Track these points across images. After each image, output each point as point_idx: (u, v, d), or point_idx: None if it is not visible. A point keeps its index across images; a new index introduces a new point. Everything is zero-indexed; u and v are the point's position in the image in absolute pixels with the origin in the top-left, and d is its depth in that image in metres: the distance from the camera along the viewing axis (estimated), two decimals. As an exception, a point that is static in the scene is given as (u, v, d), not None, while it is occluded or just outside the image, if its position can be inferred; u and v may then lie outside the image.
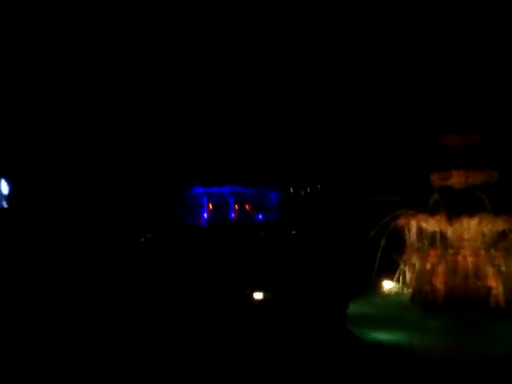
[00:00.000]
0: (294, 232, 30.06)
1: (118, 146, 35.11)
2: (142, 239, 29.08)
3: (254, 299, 12.37)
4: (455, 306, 11.40)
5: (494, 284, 11.58)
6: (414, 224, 12.83)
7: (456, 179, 12.73)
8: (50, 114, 29.37)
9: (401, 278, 13.72)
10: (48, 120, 29.62)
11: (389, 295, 13.40)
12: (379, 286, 13.63)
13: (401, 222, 13.03)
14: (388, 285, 13.67)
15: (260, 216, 43.70)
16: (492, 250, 12.34)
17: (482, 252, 12.29)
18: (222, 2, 33.28)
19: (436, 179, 12.96)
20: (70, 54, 29.65)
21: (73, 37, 29.40)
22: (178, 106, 37.35)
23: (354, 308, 11.62)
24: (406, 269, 13.44)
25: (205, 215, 43.95)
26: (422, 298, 12.29)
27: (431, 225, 12.55)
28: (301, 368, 8.02)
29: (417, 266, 13.02)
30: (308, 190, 40.76)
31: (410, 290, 13.16)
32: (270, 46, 34.52)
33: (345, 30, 30.85)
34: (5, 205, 29.82)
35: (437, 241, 12.72)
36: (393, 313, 11.72)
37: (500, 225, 12.26)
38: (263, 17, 33.67)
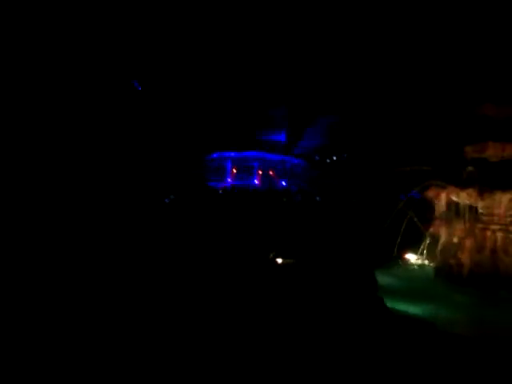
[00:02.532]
0: (318, 199, 29.85)
1: (144, 110, 35.15)
2: (167, 200, 29.44)
3: (277, 264, 12.39)
4: (481, 281, 11.18)
5: (524, 261, 11.28)
6: (443, 196, 12.49)
7: (492, 151, 12.21)
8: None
9: (425, 250, 13.53)
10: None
11: (412, 267, 13.25)
12: (403, 258, 13.47)
13: (430, 193, 12.69)
14: (412, 257, 13.50)
15: (284, 182, 43.50)
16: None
17: (513, 228, 11.91)
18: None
19: (470, 150, 12.48)
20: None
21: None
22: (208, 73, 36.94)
23: (378, 278, 11.50)
24: (432, 242, 13.20)
25: (228, 179, 44.00)
26: (446, 272, 12.10)
27: (462, 198, 12.17)
28: (328, 332, 7.99)
29: (443, 239, 12.75)
30: (334, 157, 40.19)
31: (434, 264, 12.98)
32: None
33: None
34: None
35: (466, 214, 12.38)
36: (416, 285, 11.59)
37: (534, 201, 11.81)
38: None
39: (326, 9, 32.64)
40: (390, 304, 9.47)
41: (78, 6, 28.76)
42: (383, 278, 11.71)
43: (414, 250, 13.74)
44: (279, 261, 12.50)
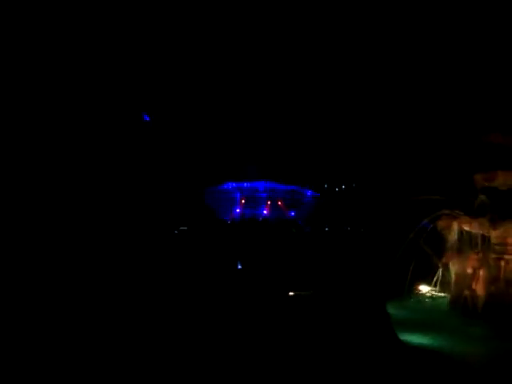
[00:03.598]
0: (327, 229, 29.70)
1: (153, 139, 35.54)
2: (176, 232, 29.53)
3: (288, 296, 12.23)
4: (496, 313, 10.90)
5: (540, 292, 11.01)
6: (455, 226, 12.33)
7: (501, 180, 12.12)
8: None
9: (439, 282, 13.27)
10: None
11: (426, 299, 12.98)
12: (416, 290, 13.22)
13: (441, 223, 12.55)
14: (425, 288, 13.24)
15: (292, 213, 43.41)
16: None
17: (527, 258, 11.68)
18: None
19: (480, 179, 12.38)
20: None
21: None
22: (215, 101, 37.48)
23: (390, 310, 11.28)
24: (445, 273, 12.96)
25: (237, 210, 44.03)
26: (461, 304, 11.82)
27: (474, 227, 12.02)
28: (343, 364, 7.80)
29: (456, 270, 12.52)
30: (343, 187, 40.15)
31: (448, 295, 12.72)
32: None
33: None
34: None
35: (479, 244, 12.19)
36: (430, 317, 11.31)
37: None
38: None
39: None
40: (404, 337, 9.26)
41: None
42: (396, 311, 11.48)
43: (427, 281, 13.49)
44: (290, 293, 12.34)
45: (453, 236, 12.54)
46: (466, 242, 12.36)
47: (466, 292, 11.75)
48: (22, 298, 10.80)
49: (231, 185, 44.33)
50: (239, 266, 16.70)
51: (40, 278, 12.96)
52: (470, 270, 12.01)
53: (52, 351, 7.82)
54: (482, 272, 11.67)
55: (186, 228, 30.43)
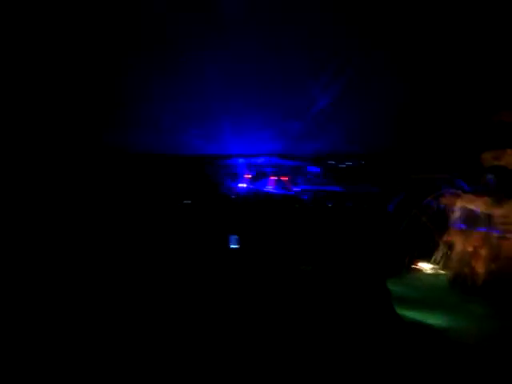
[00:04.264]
0: (330, 205, 29.58)
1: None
2: (180, 205, 29.52)
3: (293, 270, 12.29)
4: (496, 291, 10.92)
5: (541, 271, 11.00)
6: (458, 204, 12.27)
7: (509, 159, 11.97)
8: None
9: (440, 259, 13.27)
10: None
11: (426, 276, 13.01)
12: (417, 267, 13.23)
13: (445, 201, 12.48)
14: (427, 266, 13.25)
15: (297, 188, 43.34)
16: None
17: (530, 237, 11.63)
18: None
19: (488, 158, 12.23)
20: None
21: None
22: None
23: (390, 287, 11.34)
24: (447, 250, 12.95)
25: (242, 185, 43.98)
26: (461, 281, 11.85)
27: (477, 205, 11.95)
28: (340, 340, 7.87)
29: (458, 247, 12.51)
30: (349, 163, 39.89)
31: (448, 272, 12.73)
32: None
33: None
34: None
35: (481, 222, 12.14)
36: (430, 294, 11.37)
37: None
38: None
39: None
40: (403, 313, 9.32)
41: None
42: (397, 288, 11.53)
43: (429, 258, 13.49)
44: (292, 268, 12.40)
45: (456, 214, 12.49)
46: (469, 220, 12.32)
47: (467, 269, 11.77)
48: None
49: (236, 160, 44.14)
50: (234, 244, 16.24)
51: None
52: (471, 249, 12.00)
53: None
54: (483, 250, 11.65)
55: (189, 202, 30.43)
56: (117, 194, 26.12)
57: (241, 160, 44.70)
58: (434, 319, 9.31)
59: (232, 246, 15.44)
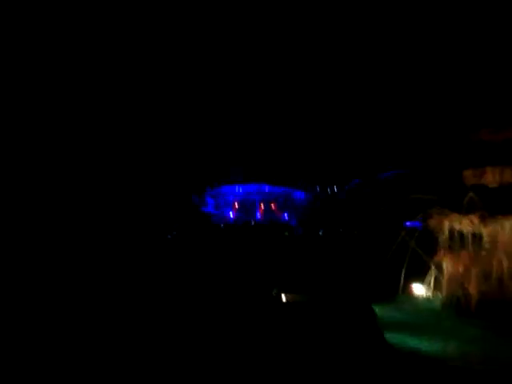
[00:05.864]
0: (321, 233, 29.53)
1: (147, 143, 35.26)
2: (169, 236, 29.22)
3: (281, 300, 12.07)
4: (490, 312, 10.76)
5: (532, 289, 10.89)
6: (446, 224, 12.20)
7: (490, 177, 12.02)
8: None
9: (431, 281, 13.12)
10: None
11: (419, 299, 12.83)
12: (409, 290, 13.06)
13: (432, 222, 12.41)
14: (418, 288, 13.08)
15: (286, 216, 43.25)
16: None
17: (519, 254, 11.55)
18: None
19: (469, 176, 12.29)
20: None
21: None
22: (205, 105, 37.23)
23: (383, 312, 11.13)
24: (438, 272, 12.82)
25: (230, 214, 43.82)
26: (454, 303, 11.68)
27: (464, 225, 11.89)
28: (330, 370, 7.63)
29: (448, 268, 12.38)
30: (335, 189, 40.05)
31: (441, 294, 12.58)
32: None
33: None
34: None
35: (470, 242, 12.07)
36: (424, 318, 11.18)
37: (538, 226, 11.50)
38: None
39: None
40: (398, 340, 9.10)
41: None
42: (389, 312, 11.33)
43: (420, 280, 13.34)
44: (282, 296, 12.17)
45: (444, 234, 12.41)
46: (457, 240, 12.24)
47: (459, 291, 11.62)
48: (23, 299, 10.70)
49: (223, 189, 44.11)
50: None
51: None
52: (461, 269, 11.88)
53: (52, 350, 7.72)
54: (473, 271, 11.53)
55: (177, 233, 30.16)
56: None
57: (229, 188, 44.70)
58: (428, 345, 9.10)
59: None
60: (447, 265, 12.33)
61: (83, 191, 29.12)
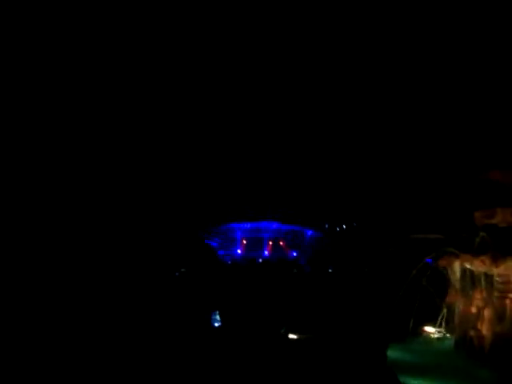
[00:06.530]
0: (330, 270, 29.33)
1: (154, 177, 35.54)
2: (177, 274, 29.11)
3: (289, 339, 11.94)
4: (503, 353, 10.55)
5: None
6: (457, 264, 12.15)
7: (500, 217, 12.00)
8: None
9: (443, 322, 12.95)
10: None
11: (430, 340, 12.62)
12: (420, 331, 12.88)
13: (443, 262, 12.36)
14: (429, 329, 12.90)
15: (294, 253, 43.06)
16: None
17: (532, 296, 11.41)
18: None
19: (479, 217, 12.29)
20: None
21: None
22: (214, 137, 37.64)
23: (393, 354, 10.95)
24: (449, 312, 12.67)
25: (238, 251, 43.72)
26: (466, 345, 11.48)
27: (476, 265, 11.81)
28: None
29: (460, 309, 12.24)
30: (344, 227, 40.00)
31: (453, 336, 12.38)
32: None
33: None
34: None
35: (482, 283, 11.95)
36: (435, 360, 10.96)
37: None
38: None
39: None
40: (407, 382, 8.94)
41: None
42: (400, 354, 11.15)
43: (432, 321, 13.17)
44: (290, 336, 12.04)
45: (455, 275, 12.35)
46: (469, 281, 12.13)
47: (472, 332, 11.43)
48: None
49: (232, 225, 44.22)
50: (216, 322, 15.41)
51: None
52: (474, 310, 11.74)
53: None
54: (486, 311, 11.38)
55: (185, 270, 30.07)
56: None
57: (237, 225, 44.78)
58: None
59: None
60: (459, 305, 12.21)
61: (86, 219, 29.19)
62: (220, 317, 15.15)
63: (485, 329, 11.27)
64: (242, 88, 34.83)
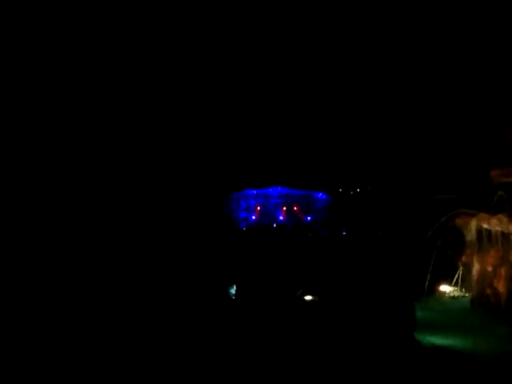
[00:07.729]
0: (344, 233, 29.48)
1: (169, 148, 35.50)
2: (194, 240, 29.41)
3: (305, 301, 12.18)
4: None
5: None
6: (473, 224, 12.13)
7: (518, 175, 11.93)
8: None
9: (459, 281, 13.08)
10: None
11: (447, 299, 12.79)
12: (437, 290, 13.03)
13: (459, 221, 12.36)
14: (446, 288, 13.05)
15: (308, 217, 43.25)
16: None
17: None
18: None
19: (497, 175, 12.21)
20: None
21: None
22: (225, 111, 37.35)
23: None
24: (466, 271, 12.77)
25: (253, 217, 44.02)
26: (483, 303, 11.63)
27: (492, 224, 11.80)
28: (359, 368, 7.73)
29: (477, 268, 12.32)
30: (358, 190, 39.89)
31: (469, 294, 12.53)
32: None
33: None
34: None
35: (498, 241, 11.97)
36: (453, 318, 11.15)
37: None
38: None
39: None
40: (427, 338, 9.14)
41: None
42: (419, 312, 11.33)
43: (448, 280, 13.30)
44: (307, 298, 12.28)
45: (472, 234, 12.35)
46: (486, 240, 12.15)
47: (488, 290, 11.57)
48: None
49: (245, 192, 44.35)
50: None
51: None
52: (490, 268, 11.82)
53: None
54: (502, 270, 11.46)
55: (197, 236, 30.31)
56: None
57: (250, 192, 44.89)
58: (457, 343, 9.10)
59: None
60: (475, 264, 12.28)
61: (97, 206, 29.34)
62: (237, 286, 15.30)
63: (501, 287, 11.38)
64: (245, 46, 34.07)
